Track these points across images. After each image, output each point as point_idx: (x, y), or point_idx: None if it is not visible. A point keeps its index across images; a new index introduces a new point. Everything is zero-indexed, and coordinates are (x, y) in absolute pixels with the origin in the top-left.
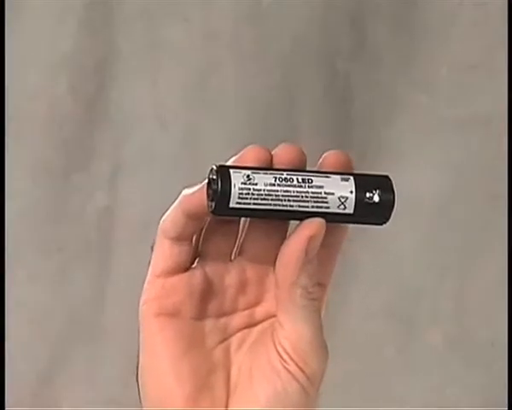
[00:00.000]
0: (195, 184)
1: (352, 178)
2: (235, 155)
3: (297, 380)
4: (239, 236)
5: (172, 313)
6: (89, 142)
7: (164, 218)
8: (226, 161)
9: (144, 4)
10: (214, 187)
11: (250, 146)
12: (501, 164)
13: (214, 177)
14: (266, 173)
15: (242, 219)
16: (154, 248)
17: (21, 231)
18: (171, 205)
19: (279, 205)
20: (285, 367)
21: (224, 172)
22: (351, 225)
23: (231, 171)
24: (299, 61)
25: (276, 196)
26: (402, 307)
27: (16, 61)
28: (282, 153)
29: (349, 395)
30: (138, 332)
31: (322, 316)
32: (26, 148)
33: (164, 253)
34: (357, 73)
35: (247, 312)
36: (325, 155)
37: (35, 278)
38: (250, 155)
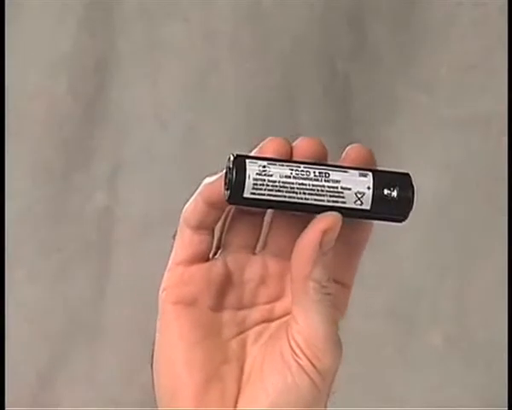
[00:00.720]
0: (195, 184)
1: (370, 173)
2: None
3: (308, 375)
4: (263, 229)
5: (190, 302)
6: (88, 142)
7: (185, 207)
8: (226, 161)
9: (144, 4)
10: (229, 176)
11: (271, 137)
12: (501, 164)
13: (230, 166)
14: (283, 165)
15: (268, 212)
16: (176, 236)
17: (21, 230)
18: (170, 204)
19: (294, 198)
20: (297, 361)
21: (239, 161)
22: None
23: (247, 161)
24: (298, 61)
25: (291, 188)
26: (402, 307)
27: (16, 61)
28: (302, 145)
29: (349, 394)
30: (138, 332)
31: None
32: (26, 148)
33: (184, 241)
34: (356, 73)
35: (267, 306)
36: (347, 149)
37: (35, 278)
38: (270, 146)
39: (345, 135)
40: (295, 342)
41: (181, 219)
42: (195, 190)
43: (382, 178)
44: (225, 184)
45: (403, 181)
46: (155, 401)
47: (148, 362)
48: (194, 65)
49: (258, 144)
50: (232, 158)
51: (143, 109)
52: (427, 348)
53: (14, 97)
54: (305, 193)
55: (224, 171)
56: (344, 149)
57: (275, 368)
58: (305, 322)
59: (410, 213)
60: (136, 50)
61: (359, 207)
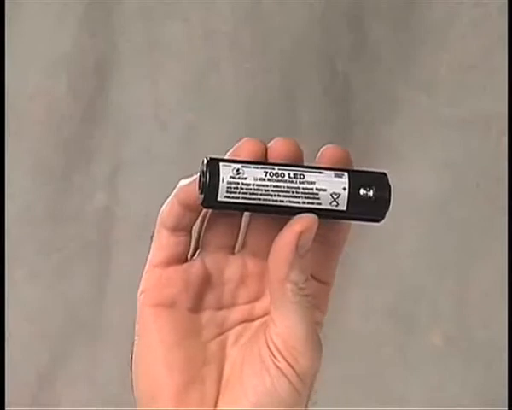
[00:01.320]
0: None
1: (346, 174)
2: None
3: (287, 377)
4: (241, 229)
5: (169, 304)
6: (88, 142)
7: (162, 208)
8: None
9: (144, 4)
10: (203, 180)
11: (245, 139)
12: (501, 164)
13: (204, 169)
14: (257, 168)
15: (245, 212)
16: (153, 238)
17: (21, 230)
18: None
19: (269, 200)
20: (275, 364)
21: (213, 165)
22: (354, 223)
23: (221, 164)
24: (298, 60)
25: (265, 190)
26: (402, 307)
27: (16, 61)
28: (277, 147)
29: (349, 394)
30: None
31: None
32: (26, 148)
33: (161, 243)
34: (356, 73)
35: (246, 306)
36: (322, 149)
37: (34, 278)
38: (244, 147)
39: (345, 135)
40: (274, 344)
41: (158, 221)
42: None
43: (358, 179)
44: (199, 187)
45: (379, 181)
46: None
47: None
48: (194, 65)
49: (252, 138)
50: (206, 161)
51: (143, 109)
52: (426, 348)
53: (13, 97)
54: (279, 195)
55: (198, 174)
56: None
57: (254, 371)
58: (284, 324)
59: (387, 214)
60: (136, 50)
61: (335, 208)
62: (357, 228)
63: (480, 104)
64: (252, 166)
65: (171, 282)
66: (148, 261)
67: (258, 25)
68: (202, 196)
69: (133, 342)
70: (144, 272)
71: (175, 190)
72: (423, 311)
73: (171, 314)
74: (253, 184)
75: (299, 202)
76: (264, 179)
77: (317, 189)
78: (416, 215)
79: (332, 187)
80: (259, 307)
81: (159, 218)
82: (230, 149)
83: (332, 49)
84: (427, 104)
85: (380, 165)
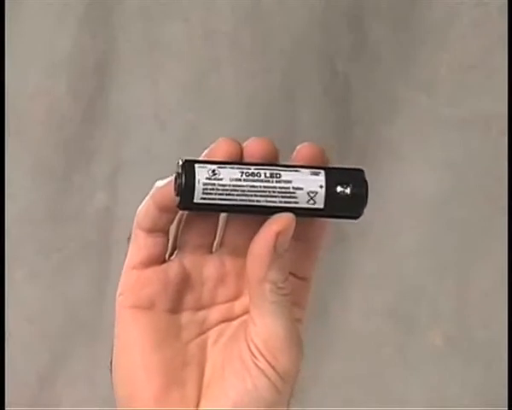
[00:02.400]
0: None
1: (323, 171)
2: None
3: (267, 377)
4: (219, 228)
5: (147, 306)
6: (88, 142)
7: (138, 209)
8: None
9: (144, 4)
10: (179, 181)
11: (220, 139)
12: (501, 164)
13: (179, 171)
14: (233, 168)
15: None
16: (130, 239)
17: (21, 230)
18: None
19: (246, 200)
20: (255, 364)
21: (188, 166)
22: (342, 222)
23: (196, 166)
24: (298, 60)
25: (242, 191)
26: (402, 307)
27: (16, 61)
28: (252, 146)
29: (349, 394)
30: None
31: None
32: (26, 148)
33: (138, 244)
34: (356, 73)
35: (226, 305)
36: (298, 147)
37: (34, 278)
38: (220, 148)
39: (345, 135)
40: (254, 344)
41: (134, 222)
42: None
43: (335, 176)
44: (175, 189)
45: (356, 178)
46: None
47: None
48: (194, 65)
49: (228, 137)
50: (181, 163)
51: (143, 109)
52: (426, 348)
53: (13, 97)
54: (256, 195)
55: (174, 176)
56: (344, 149)
57: (234, 372)
58: (263, 324)
59: (365, 210)
60: (136, 50)
61: (312, 206)
62: (357, 228)
63: (480, 104)
64: (228, 166)
65: (149, 283)
66: (125, 264)
67: (258, 25)
68: (178, 198)
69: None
70: (122, 273)
71: (151, 191)
72: (423, 311)
73: (149, 316)
74: (229, 185)
75: (275, 202)
76: (240, 180)
77: (293, 188)
78: (416, 215)
79: (309, 185)
80: (239, 305)
81: (135, 219)
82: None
83: (332, 49)
84: (427, 104)
85: (380, 165)
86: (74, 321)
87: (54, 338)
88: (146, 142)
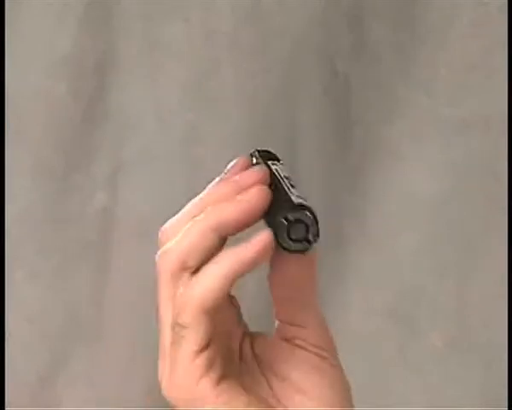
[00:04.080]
0: (195, 184)
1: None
2: (235, 156)
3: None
4: None
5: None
6: (88, 142)
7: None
8: (226, 161)
9: (144, 4)
10: (314, 229)
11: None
12: (500, 164)
13: (309, 216)
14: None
15: None
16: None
17: (21, 231)
18: (170, 205)
19: None
20: (329, 363)
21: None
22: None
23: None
24: (298, 60)
25: None
26: (402, 307)
27: (16, 61)
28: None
29: None
30: (138, 332)
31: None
32: (26, 148)
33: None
34: (356, 73)
35: None
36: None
37: (34, 278)
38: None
39: (345, 135)
40: (317, 346)
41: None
42: (196, 190)
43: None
44: (307, 236)
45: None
46: (155, 400)
47: (147, 362)
48: (195, 65)
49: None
50: (308, 208)
51: (143, 109)
52: (427, 348)
53: (13, 98)
54: None
55: (308, 221)
56: (343, 149)
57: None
58: (315, 324)
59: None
60: (136, 50)
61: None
62: (357, 228)
63: (480, 104)
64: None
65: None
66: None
67: (258, 25)
68: (308, 244)
69: (133, 342)
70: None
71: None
72: (423, 311)
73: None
74: None
75: None
76: None
77: None
78: (415, 215)
79: None
80: None
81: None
82: (231, 149)
83: (332, 49)
84: (427, 104)
85: (380, 165)
86: (74, 321)
87: (54, 338)
88: (146, 142)
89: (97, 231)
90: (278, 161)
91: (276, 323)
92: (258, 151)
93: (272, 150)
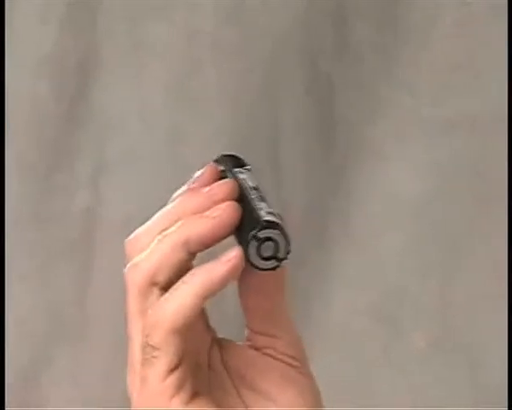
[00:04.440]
0: (179, 184)
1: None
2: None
3: (302, 373)
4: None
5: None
6: (71, 142)
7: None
8: (209, 160)
9: (127, 4)
10: (284, 244)
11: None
12: (485, 165)
13: (276, 232)
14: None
15: None
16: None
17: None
18: (153, 205)
19: None
20: (300, 372)
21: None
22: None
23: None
24: (281, 60)
25: None
26: (386, 308)
27: None
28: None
29: (333, 395)
30: (121, 332)
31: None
32: (8, 148)
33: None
34: (339, 73)
35: None
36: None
37: (17, 278)
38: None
39: (328, 135)
40: (288, 355)
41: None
42: (179, 190)
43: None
44: (275, 253)
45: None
46: None
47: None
48: (177, 65)
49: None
50: (277, 222)
51: (126, 110)
52: (411, 349)
53: None
54: None
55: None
56: (327, 149)
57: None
58: (288, 333)
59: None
60: (119, 50)
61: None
62: (340, 228)
63: (464, 104)
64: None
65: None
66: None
67: (241, 25)
68: (277, 262)
69: (116, 341)
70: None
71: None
72: (407, 311)
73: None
74: None
75: None
76: None
77: None
78: (399, 216)
79: None
80: None
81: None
82: (214, 148)
83: (315, 48)
84: (411, 104)
85: (363, 165)
86: (58, 321)
87: (37, 338)
88: (129, 142)
89: (80, 231)
90: (244, 166)
91: (246, 331)
92: (224, 156)
93: (238, 154)
